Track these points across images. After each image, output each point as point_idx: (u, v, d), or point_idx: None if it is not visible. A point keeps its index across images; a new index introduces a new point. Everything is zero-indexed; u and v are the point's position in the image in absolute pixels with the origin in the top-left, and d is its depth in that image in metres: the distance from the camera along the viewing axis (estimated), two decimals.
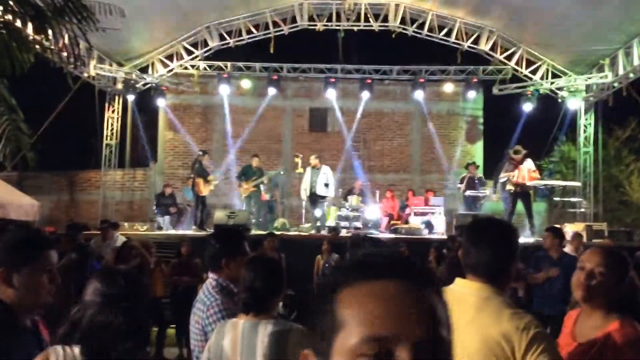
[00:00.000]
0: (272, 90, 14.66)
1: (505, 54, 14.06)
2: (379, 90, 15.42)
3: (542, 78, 14.07)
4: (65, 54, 5.15)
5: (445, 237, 10.25)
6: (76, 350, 1.56)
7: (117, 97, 14.96)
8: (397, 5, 13.63)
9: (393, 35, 13.90)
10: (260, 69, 14.88)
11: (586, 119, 14.42)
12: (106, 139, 14.83)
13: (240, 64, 14.81)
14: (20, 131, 5.15)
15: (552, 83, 13.99)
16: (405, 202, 13.27)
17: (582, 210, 12.77)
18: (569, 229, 9.39)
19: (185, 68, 14.74)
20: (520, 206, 11.08)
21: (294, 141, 15.71)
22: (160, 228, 12.31)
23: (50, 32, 4.86)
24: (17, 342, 1.74)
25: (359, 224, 11.79)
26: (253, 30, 14.00)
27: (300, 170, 12.18)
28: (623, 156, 16.11)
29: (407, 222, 12.32)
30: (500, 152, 12.62)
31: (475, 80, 14.74)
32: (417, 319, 0.71)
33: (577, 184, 13.25)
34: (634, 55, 11.62)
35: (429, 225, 11.93)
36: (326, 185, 11.36)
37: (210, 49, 14.33)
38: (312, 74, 15.04)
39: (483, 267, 1.90)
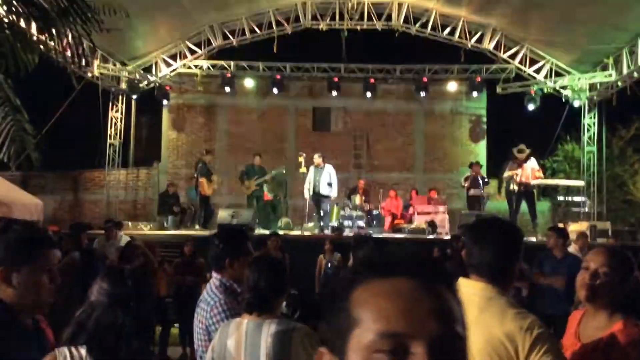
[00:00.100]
0: (275, 90, 14.70)
1: (508, 53, 14.03)
2: (382, 90, 15.41)
3: (545, 77, 14.03)
4: (69, 53, 5.15)
5: (448, 236, 10.23)
6: (83, 351, 1.56)
7: (120, 97, 15.00)
8: (400, 4, 13.61)
9: (396, 35, 13.89)
10: (264, 69, 14.90)
11: (590, 118, 14.39)
12: (110, 139, 14.87)
13: (244, 63, 14.83)
14: (24, 131, 5.16)
15: (555, 82, 13.94)
16: (408, 201, 13.26)
17: (586, 209, 12.73)
18: (573, 229, 9.37)
19: (189, 67, 14.76)
20: (523, 205, 11.06)
21: (297, 140, 15.72)
22: (164, 227, 12.34)
23: (54, 32, 4.87)
24: (17, 342, 1.73)
25: (362, 224, 11.78)
26: (256, 29, 14.01)
27: (303, 169, 12.16)
28: (627, 155, 16.07)
29: (410, 222, 12.31)
30: (504, 152, 12.59)
31: (479, 79, 14.72)
32: (433, 315, 0.71)
33: (581, 183, 13.21)
34: (638, 54, 11.58)
35: (432, 225, 11.90)
36: (329, 184, 11.35)
37: (213, 49, 14.35)
38: (315, 74, 15.05)
39: (486, 267, 1.90)
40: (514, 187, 10.90)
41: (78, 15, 4.83)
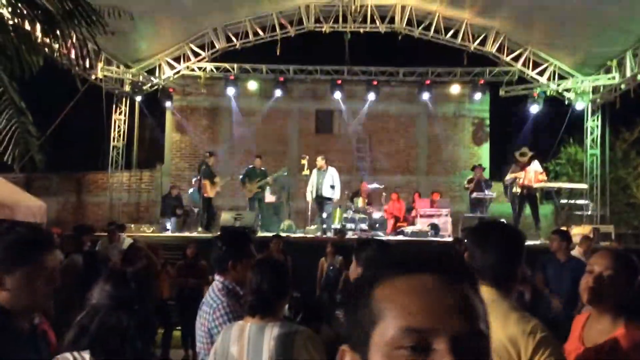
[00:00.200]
0: (278, 92, 14.73)
1: (511, 56, 14.01)
2: (385, 92, 15.40)
3: (548, 80, 14.00)
4: (73, 56, 5.17)
5: (451, 239, 10.22)
6: (86, 356, 1.55)
7: (124, 99, 15.04)
8: (403, 7, 13.61)
9: (399, 37, 13.89)
10: (267, 71, 14.92)
11: (593, 121, 14.35)
12: (113, 141, 14.90)
13: (247, 65, 14.85)
14: (28, 133, 5.18)
15: (558, 85, 13.91)
16: (411, 204, 13.25)
17: (589, 212, 12.69)
18: (576, 232, 9.34)
19: (192, 70, 14.79)
20: (527, 208, 11.03)
21: (300, 143, 15.72)
22: (166, 230, 12.35)
23: (58, 34, 4.89)
24: (12, 345, 1.70)
25: (364, 226, 11.76)
26: (259, 32, 14.03)
27: (306, 172, 12.17)
28: (630, 158, 16.01)
29: (413, 224, 12.30)
30: (507, 154, 12.58)
31: (482, 82, 14.72)
32: (455, 312, 0.71)
33: (584, 186, 13.17)
34: None
35: (434, 228, 11.90)
36: (332, 187, 11.35)
37: (216, 51, 14.37)
38: (318, 76, 15.06)
39: (489, 270, 1.89)
40: (516, 190, 10.89)
41: (83, 18, 4.85)
